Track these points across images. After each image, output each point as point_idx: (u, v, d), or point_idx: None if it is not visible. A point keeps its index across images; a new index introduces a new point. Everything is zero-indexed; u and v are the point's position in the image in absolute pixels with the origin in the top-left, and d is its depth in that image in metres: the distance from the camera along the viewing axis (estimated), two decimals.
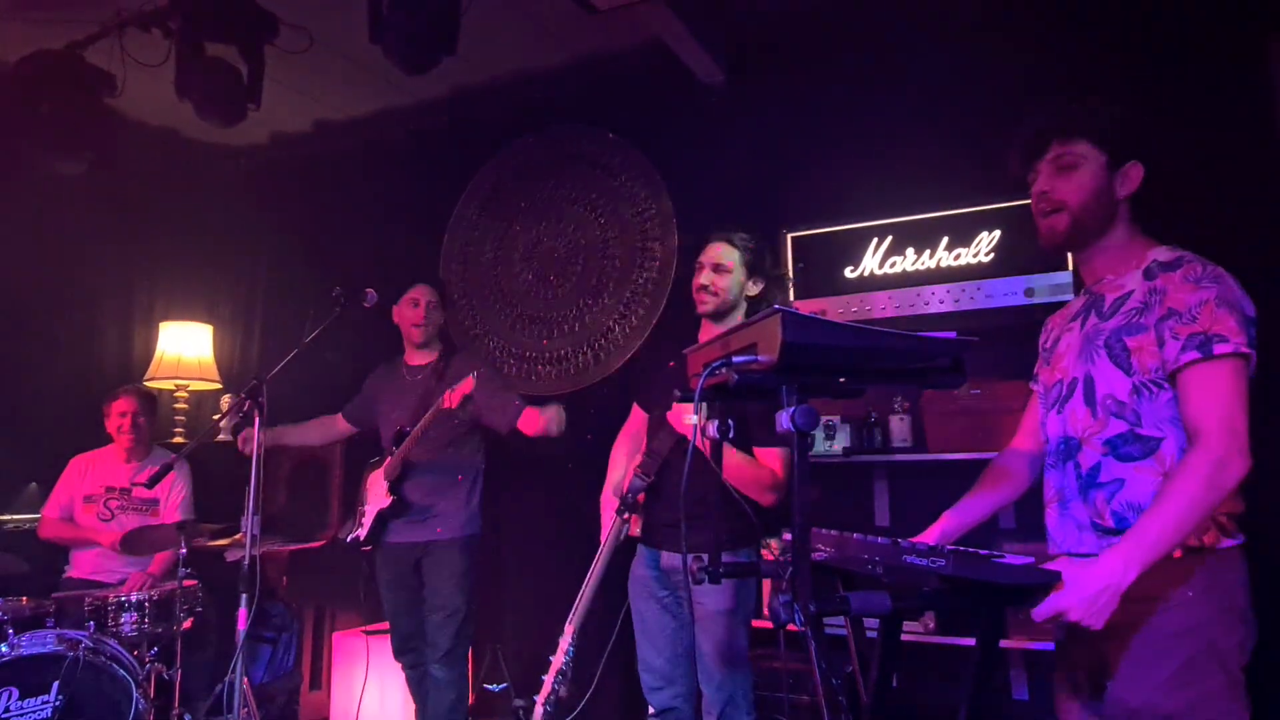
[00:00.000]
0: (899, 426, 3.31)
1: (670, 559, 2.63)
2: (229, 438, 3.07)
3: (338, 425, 3.62)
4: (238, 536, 3.17)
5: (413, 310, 3.39)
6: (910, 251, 3.44)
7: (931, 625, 3.07)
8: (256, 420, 2.73)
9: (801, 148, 3.70)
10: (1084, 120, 1.68)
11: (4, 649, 2.94)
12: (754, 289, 2.63)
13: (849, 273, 3.54)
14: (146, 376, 4.54)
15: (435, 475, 3.31)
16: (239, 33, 3.38)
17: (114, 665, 3.08)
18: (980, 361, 1.44)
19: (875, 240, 3.50)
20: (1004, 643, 2.91)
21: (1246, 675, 1.48)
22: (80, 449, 3.92)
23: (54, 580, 3.71)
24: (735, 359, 1.34)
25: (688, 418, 2.37)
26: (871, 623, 1.50)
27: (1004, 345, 2.44)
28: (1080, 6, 3.23)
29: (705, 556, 1.65)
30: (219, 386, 4.75)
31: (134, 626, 3.28)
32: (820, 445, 3.36)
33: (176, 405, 4.66)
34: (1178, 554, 1.47)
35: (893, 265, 3.47)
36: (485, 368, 3.38)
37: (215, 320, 4.90)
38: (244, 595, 2.65)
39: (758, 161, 3.76)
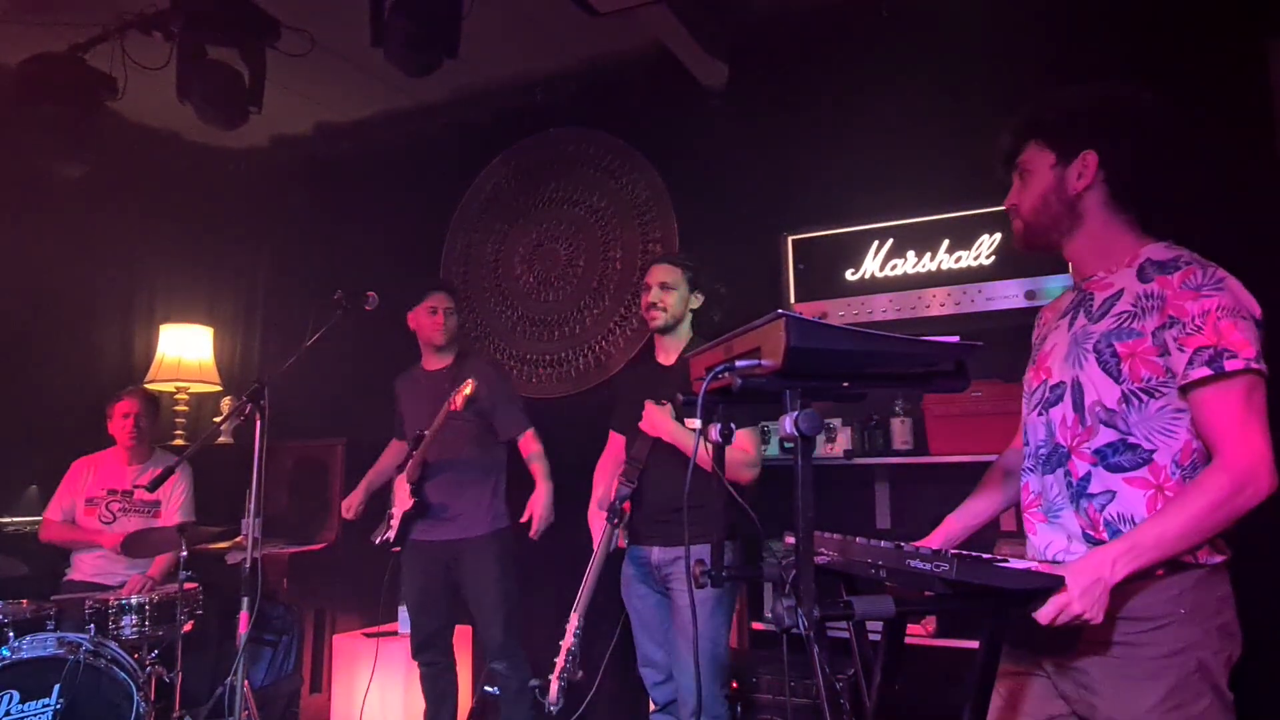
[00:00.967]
0: (900, 429, 3.31)
1: (662, 554, 2.76)
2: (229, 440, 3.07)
3: (400, 445, 3.65)
4: (238, 539, 3.17)
5: (430, 318, 3.44)
6: (911, 254, 3.45)
7: (931, 628, 3.07)
8: (258, 423, 2.73)
9: (802, 150, 3.70)
10: (1028, 124, 1.66)
11: (5, 652, 2.94)
12: (696, 302, 2.93)
13: (850, 275, 3.54)
14: (147, 379, 4.54)
15: (455, 475, 3.35)
16: (240, 36, 3.39)
17: (115, 668, 3.08)
18: (981, 364, 1.43)
19: (876, 243, 3.51)
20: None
21: (1233, 689, 1.48)
22: (80, 452, 3.92)
23: (54, 583, 3.70)
24: (739, 363, 1.34)
25: (658, 417, 2.69)
26: (874, 626, 1.50)
27: (1004, 348, 2.42)
28: (1080, 8, 3.23)
29: (707, 560, 1.65)
30: (219, 389, 4.75)
31: (135, 629, 3.27)
32: (821, 448, 3.36)
33: (177, 408, 4.66)
34: (1159, 572, 1.45)
35: (893, 268, 3.48)
36: (494, 371, 3.49)
37: (216, 323, 4.90)
38: (245, 598, 2.65)
39: (759, 164, 3.77)
